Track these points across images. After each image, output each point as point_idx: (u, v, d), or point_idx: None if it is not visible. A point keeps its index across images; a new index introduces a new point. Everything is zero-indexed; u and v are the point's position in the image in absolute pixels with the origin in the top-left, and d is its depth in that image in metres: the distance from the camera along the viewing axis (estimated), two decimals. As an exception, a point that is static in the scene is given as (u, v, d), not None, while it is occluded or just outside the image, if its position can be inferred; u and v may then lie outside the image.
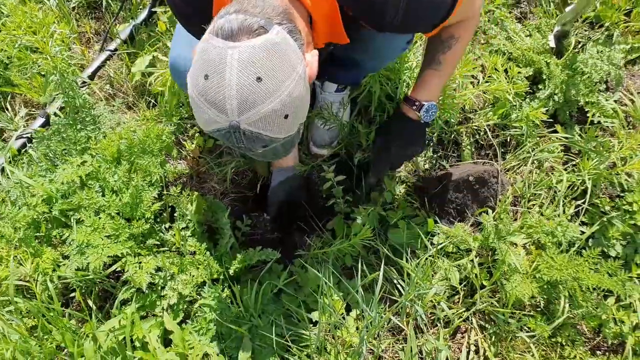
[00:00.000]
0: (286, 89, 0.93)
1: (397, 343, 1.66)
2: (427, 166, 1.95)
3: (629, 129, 2.04)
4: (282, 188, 1.87)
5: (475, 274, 1.68)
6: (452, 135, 2.01)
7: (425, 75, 1.49)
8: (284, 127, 0.97)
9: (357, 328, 1.59)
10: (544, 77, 2.06)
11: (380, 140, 1.67)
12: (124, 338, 1.44)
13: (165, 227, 1.71)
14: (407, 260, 1.69)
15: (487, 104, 2.06)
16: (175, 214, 1.71)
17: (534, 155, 1.94)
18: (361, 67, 1.69)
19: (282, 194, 1.88)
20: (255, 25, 0.92)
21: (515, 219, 1.87)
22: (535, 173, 1.94)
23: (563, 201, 1.84)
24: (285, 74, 0.93)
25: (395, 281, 1.71)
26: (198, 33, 1.02)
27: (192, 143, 1.94)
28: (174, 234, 1.65)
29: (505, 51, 2.13)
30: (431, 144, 1.99)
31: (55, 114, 1.89)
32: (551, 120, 2.05)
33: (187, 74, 1.51)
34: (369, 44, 1.50)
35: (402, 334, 1.67)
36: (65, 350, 1.46)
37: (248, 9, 0.95)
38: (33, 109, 2.10)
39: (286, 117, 0.96)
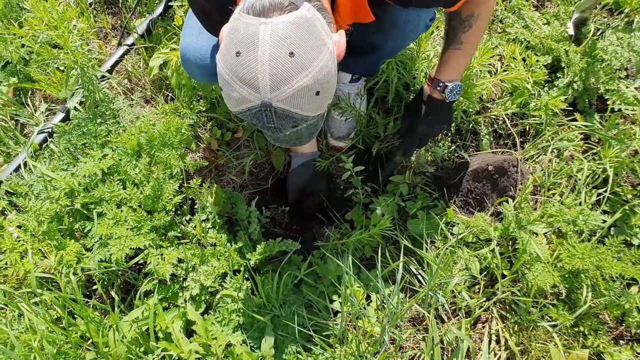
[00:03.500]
0: (318, 64, 0.93)
1: (418, 333, 1.66)
2: (445, 156, 1.94)
3: (651, 116, 2.01)
4: (302, 170, 1.87)
5: (496, 264, 1.67)
6: (471, 125, 2.00)
7: (447, 55, 1.49)
8: (315, 105, 0.97)
9: (378, 318, 1.59)
10: (563, 65, 2.03)
11: (407, 119, 1.69)
12: (147, 329, 1.46)
13: (185, 220, 1.72)
14: (426, 251, 1.68)
15: (505, 93, 2.05)
16: (195, 206, 1.72)
17: (553, 144, 1.92)
18: (380, 50, 1.68)
19: (302, 177, 1.88)
20: (286, 2, 0.93)
21: (535, 209, 1.86)
22: (555, 162, 1.92)
23: (584, 190, 1.82)
24: (317, 50, 0.93)
25: (415, 271, 1.71)
26: (217, 30, 1.03)
27: (211, 136, 1.95)
28: (195, 226, 1.66)
29: (523, 39, 2.11)
30: (449, 135, 1.98)
31: (75, 109, 1.91)
32: (570, 108, 2.02)
33: (196, 63, 1.52)
34: (392, 22, 1.50)
35: (423, 324, 1.66)
36: (90, 340, 1.48)
37: None
38: (53, 104, 2.12)
39: (317, 93, 0.96)
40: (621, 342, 1.70)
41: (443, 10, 1.48)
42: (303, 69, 0.91)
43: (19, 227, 1.60)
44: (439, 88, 1.51)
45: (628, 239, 1.76)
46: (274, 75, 0.90)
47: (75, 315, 1.49)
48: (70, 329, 1.45)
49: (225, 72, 0.94)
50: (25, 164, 1.83)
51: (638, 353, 1.66)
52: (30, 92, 2.14)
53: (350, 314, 1.53)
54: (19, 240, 1.56)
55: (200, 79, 1.67)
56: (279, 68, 0.89)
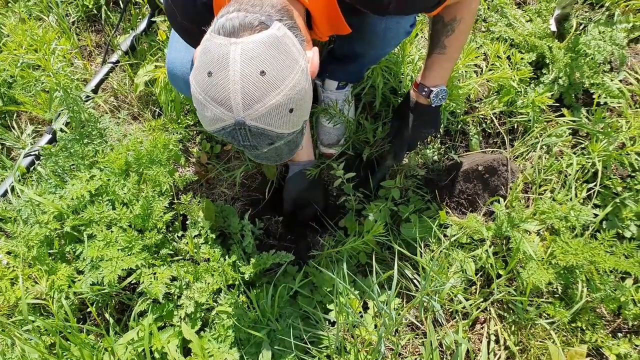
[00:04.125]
0: (290, 82, 0.93)
1: (416, 338, 1.65)
2: (435, 158, 1.94)
3: (636, 108, 2.01)
4: (298, 178, 1.86)
5: (491, 264, 1.67)
6: (459, 126, 2.00)
7: (432, 60, 1.49)
8: (290, 122, 0.97)
9: (376, 326, 1.58)
10: (547, 61, 2.04)
11: (395, 125, 1.70)
12: (143, 350, 1.45)
13: (178, 236, 1.71)
14: (421, 255, 1.68)
15: (492, 92, 2.05)
16: (187, 222, 1.71)
17: (542, 140, 1.92)
18: (363, 58, 1.68)
19: (298, 185, 1.87)
20: (256, 22, 0.93)
21: (528, 206, 1.86)
22: (545, 158, 1.93)
23: (574, 185, 1.83)
24: (288, 67, 0.93)
25: (410, 276, 1.71)
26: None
27: (200, 150, 1.94)
28: (187, 243, 1.65)
29: (507, 38, 2.11)
30: (438, 137, 1.98)
31: (61, 130, 1.90)
32: (557, 104, 2.03)
33: (183, 78, 1.51)
34: (372, 31, 1.50)
35: (421, 328, 1.66)
36: (86, 365, 1.47)
37: (247, 8, 0.96)
38: (39, 126, 2.11)
39: (291, 111, 0.95)
40: (619, 334, 1.71)
41: (425, 14, 1.48)
42: (275, 87, 0.91)
43: (9, 253, 1.58)
44: (424, 93, 1.52)
45: (620, 231, 1.77)
46: (245, 94, 0.89)
47: (70, 341, 1.47)
48: (64, 355, 1.43)
49: (198, 92, 0.94)
50: (12, 188, 1.81)
51: (636, 345, 1.66)
52: (15, 114, 2.12)
53: (347, 323, 1.53)
54: (9, 267, 1.55)
55: (188, 93, 1.66)
56: (250, 87, 0.89)
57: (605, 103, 1.99)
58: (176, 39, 1.55)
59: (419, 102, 1.57)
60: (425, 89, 1.51)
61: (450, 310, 1.69)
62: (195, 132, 2.01)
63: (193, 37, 1.25)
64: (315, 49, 1.07)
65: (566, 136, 1.94)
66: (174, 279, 1.58)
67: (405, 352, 1.63)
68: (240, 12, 0.94)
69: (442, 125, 1.97)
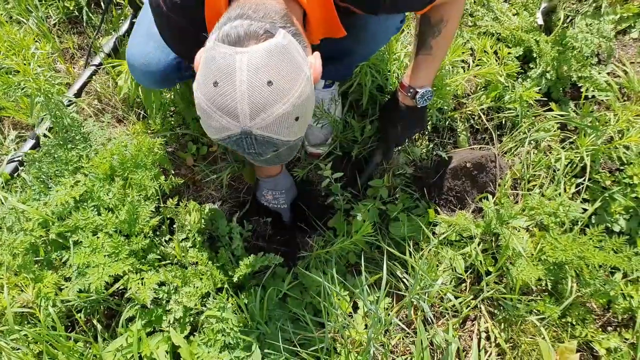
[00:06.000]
0: (296, 91, 0.93)
1: (407, 337, 1.65)
2: (424, 155, 1.93)
3: (624, 100, 2.01)
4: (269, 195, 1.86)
5: (480, 261, 1.67)
6: (447, 122, 1.99)
7: (417, 61, 1.49)
8: (295, 130, 0.98)
9: (366, 326, 1.58)
10: (535, 55, 2.03)
11: (381, 124, 1.73)
12: (132, 356, 1.44)
13: (165, 240, 1.69)
14: (410, 253, 1.67)
15: (479, 87, 2.04)
16: (174, 226, 1.69)
17: (530, 135, 1.92)
18: (353, 56, 1.67)
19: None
20: (261, 30, 0.93)
21: (517, 202, 1.86)
22: (533, 153, 1.92)
23: (563, 180, 1.82)
24: (294, 76, 0.93)
25: (400, 275, 1.70)
26: (188, 49, 1.03)
27: (186, 152, 1.92)
28: (175, 247, 1.63)
29: (494, 32, 2.10)
30: (426, 134, 1.97)
31: (44, 135, 1.87)
32: (545, 98, 2.03)
33: (140, 69, 1.52)
34: (362, 30, 1.49)
35: (412, 327, 1.66)
36: (74, 373, 1.46)
37: (250, 14, 0.95)
38: (23, 131, 2.08)
39: (297, 119, 0.96)
40: (609, 328, 1.72)
41: (415, 13, 1.47)
42: (282, 96, 0.91)
43: (-7, 262, 1.56)
44: (409, 94, 1.52)
45: (609, 225, 1.77)
46: (252, 104, 0.89)
47: (57, 350, 1.45)
48: (52, 363, 1.42)
49: (204, 102, 0.94)
50: (-5, 195, 1.79)
51: (626, 339, 1.67)
52: (-2, 119, 2.10)
53: (336, 325, 1.52)
54: (-6, 276, 1.53)
55: (147, 85, 1.69)
56: (257, 97, 0.89)
57: (593, 96, 1.99)
58: (139, 32, 1.56)
59: (405, 103, 1.57)
60: (411, 90, 1.51)
61: (440, 308, 1.69)
62: (180, 135, 1.98)
63: (185, 39, 1.23)
64: (317, 53, 1.07)
65: (554, 131, 1.93)
66: (162, 283, 1.56)
67: (396, 352, 1.63)
68: (244, 20, 0.94)
69: (429, 123, 1.96)
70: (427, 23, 1.40)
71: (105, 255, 1.51)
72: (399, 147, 1.88)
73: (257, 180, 1.86)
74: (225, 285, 1.60)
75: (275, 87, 0.90)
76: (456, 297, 1.65)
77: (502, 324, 1.66)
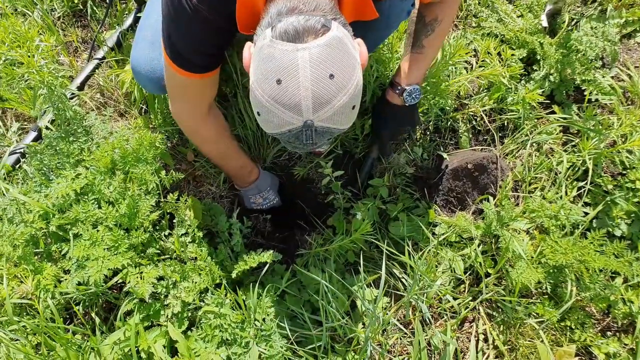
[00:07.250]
0: (354, 82, 0.96)
1: (405, 337, 1.64)
2: (425, 155, 1.93)
3: (628, 105, 2.01)
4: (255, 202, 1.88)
5: (480, 263, 1.66)
6: (449, 123, 1.99)
7: (408, 59, 1.50)
8: (351, 118, 1.02)
9: (364, 324, 1.57)
10: (538, 57, 2.03)
11: (374, 123, 1.75)
12: (130, 350, 1.44)
13: (164, 235, 1.69)
14: (409, 254, 1.67)
15: (482, 88, 2.03)
16: (174, 221, 1.69)
17: (532, 138, 1.91)
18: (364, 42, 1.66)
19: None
20: (318, 25, 0.95)
21: (517, 204, 1.85)
22: (535, 156, 1.92)
23: (565, 183, 1.82)
24: (351, 67, 0.97)
25: (399, 275, 1.70)
26: (215, 46, 1.11)
27: (187, 147, 1.92)
28: (174, 242, 1.63)
29: (498, 34, 2.10)
30: (427, 133, 1.97)
31: (47, 128, 1.87)
32: (548, 101, 2.02)
33: (147, 75, 1.52)
34: (384, 13, 1.48)
35: (410, 327, 1.65)
36: (71, 365, 1.46)
37: (302, 8, 0.97)
38: (25, 123, 2.08)
39: (353, 107, 0.99)
40: (608, 333, 1.71)
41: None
42: (343, 88, 0.94)
43: (-7, 253, 1.56)
44: (397, 91, 1.53)
45: (610, 230, 1.76)
46: (316, 98, 0.92)
47: (55, 342, 1.46)
48: (50, 355, 1.42)
49: (265, 99, 0.95)
50: (-2, 186, 1.79)
51: (625, 344, 1.66)
52: (1, 111, 2.10)
53: (333, 324, 1.52)
54: (-6, 267, 1.53)
55: (152, 90, 1.70)
56: (321, 91, 0.92)
57: (597, 100, 1.98)
58: (142, 36, 1.55)
59: (393, 101, 1.58)
60: (399, 88, 1.52)
61: (439, 309, 1.68)
62: (181, 130, 1.98)
63: (212, 29, 1.18)
64: (360, 40, 1.07)
65: (557, 133, 1.93)
66: (160, 278, 1.56)
67: (394, 352, 1.63)
68: (299, 15, 0.95)
69: (430, 124, 1.96)
70: (421, 21, 1.42)
71: (104, 249, 1.51)
72: (394, 143, 1.91)
73: (239, 193, 1.89)
74: (224, 281, 1.60)
75: (336, 80, 0.93)
76: (455, 298, 1.65)
77: (501, 326, 1.66)
